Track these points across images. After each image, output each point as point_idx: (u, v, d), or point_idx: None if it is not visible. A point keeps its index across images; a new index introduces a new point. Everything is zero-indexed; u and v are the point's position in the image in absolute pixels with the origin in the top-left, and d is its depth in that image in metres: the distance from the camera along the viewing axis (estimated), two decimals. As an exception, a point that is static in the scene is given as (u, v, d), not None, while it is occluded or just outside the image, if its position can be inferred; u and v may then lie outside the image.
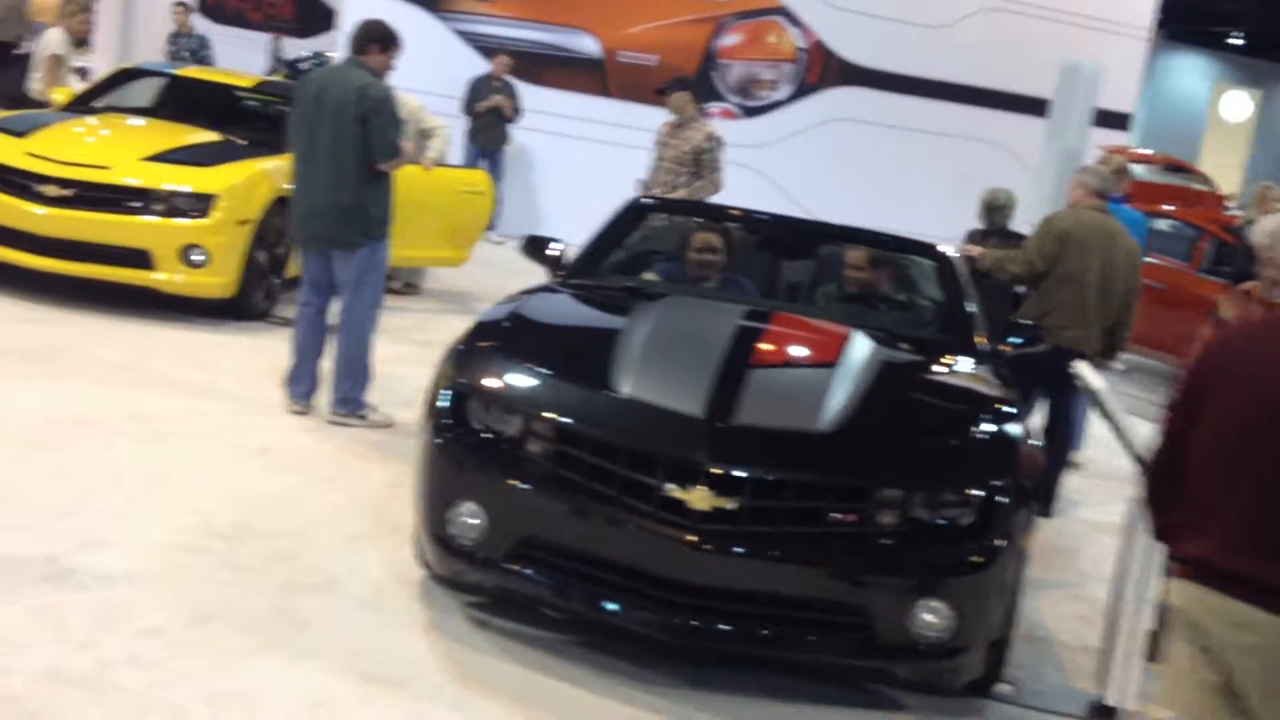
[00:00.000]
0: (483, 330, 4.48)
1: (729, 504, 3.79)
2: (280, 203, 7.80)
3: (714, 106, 14.13)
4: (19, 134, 7.52)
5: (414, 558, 4.44)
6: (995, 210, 7.83)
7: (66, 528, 4.46)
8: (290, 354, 6.27)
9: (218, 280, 7.47)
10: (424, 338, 8.18)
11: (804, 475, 3.89)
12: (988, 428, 4.30)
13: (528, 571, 3.99)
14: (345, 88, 5.89)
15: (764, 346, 4.55)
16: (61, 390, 5.95)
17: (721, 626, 3.84)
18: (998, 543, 3.93)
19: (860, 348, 4.60)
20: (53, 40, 9.18)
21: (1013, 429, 4.30)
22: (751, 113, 14.00)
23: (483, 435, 4.08)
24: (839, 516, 3.88)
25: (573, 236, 7.04)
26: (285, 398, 6.28)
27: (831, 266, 5.97)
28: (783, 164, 13.72)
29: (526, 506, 3.98)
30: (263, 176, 7.70)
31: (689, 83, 8.79)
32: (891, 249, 5.89)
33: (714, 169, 8.29)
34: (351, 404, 6.17)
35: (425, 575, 4.44)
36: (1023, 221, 8.15)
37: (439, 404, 4.15)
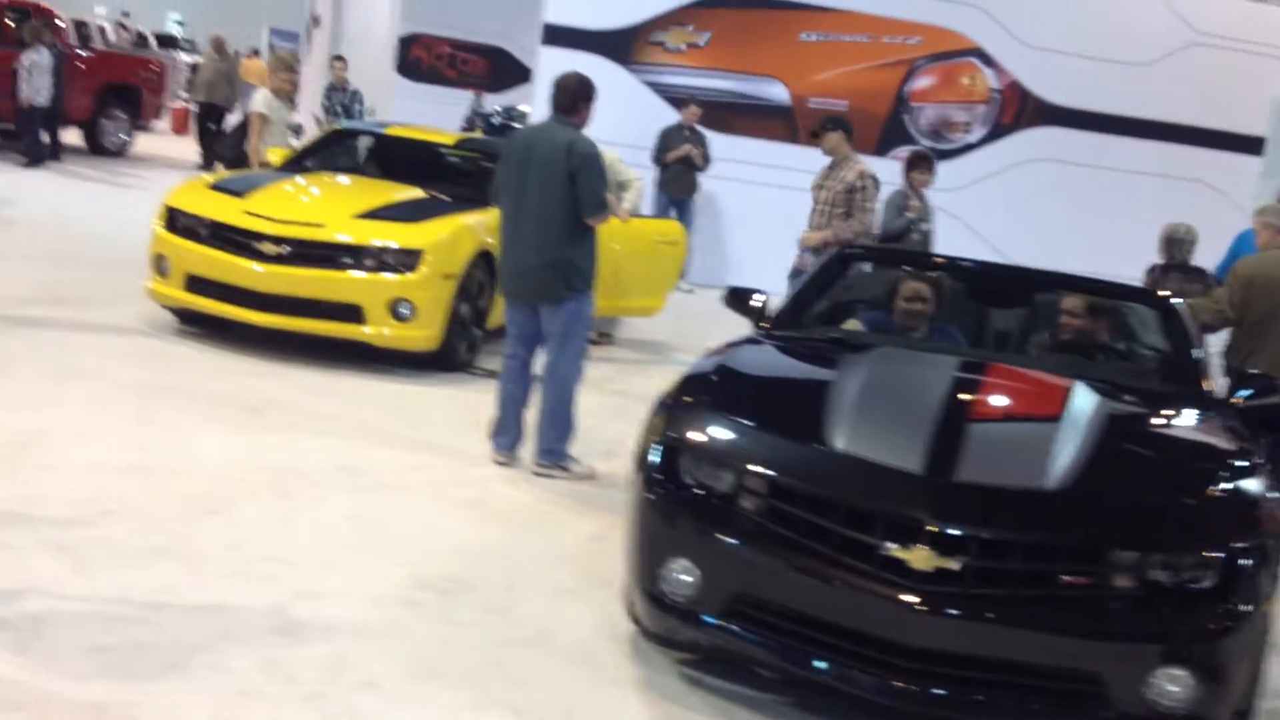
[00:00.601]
0: (691, 384, 4.45)
1: (952, 564, 3.66)
2: (483, 256, 7.98)
3: (904, 149, 13.96)
4: (239, 194, 7.87)
5: (624, 613, 4.43)
6: (1175, 244, 7.70)
7: (289, 578, 4.58)
8: (495, 406, 6.36)
9: (423, 333, 7.65)
10: (620, 388, 8.24)
11: (1032, 535, 3.73)
12: (1226, 484, 4.07)
13: (741, 629, 3.92)
14: (553, 144, 5.98)
15: (982, 399, 4.41)
16: (280, 442, 6.15)
17: (943, 692, 3.70)
18: (1242, 608, 3.70)
19: (1084, 400, 4.42)
20: (258, 100, 9.61)
21: (1253, 485, 4.05)
22: (943, 155, 13.74)
23: (694, 490, 4.03)
24: (1070, 579, 3.71)
25: (762, 283, 7.03)
26: (490, 449, 6.37)
27: (1044, 314, 5.78)
28: (976, 207, 13.44)
29: (739, 563, 3.92)
30: (466, 231, 7.88)
31: (841, 122, 8.62)
32: (1109, 295, 5.66)
33: (864, 209, 8.12)
34: (555, 455, 6.22)
35: (635, 631, 4.41)
36: (1204, 257, 7.95)
37: (649, 459, 4.13)
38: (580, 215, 6.01)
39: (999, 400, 4.47)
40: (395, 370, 7.80)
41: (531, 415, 6.36)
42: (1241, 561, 3.74)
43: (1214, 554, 3.73)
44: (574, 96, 6.12)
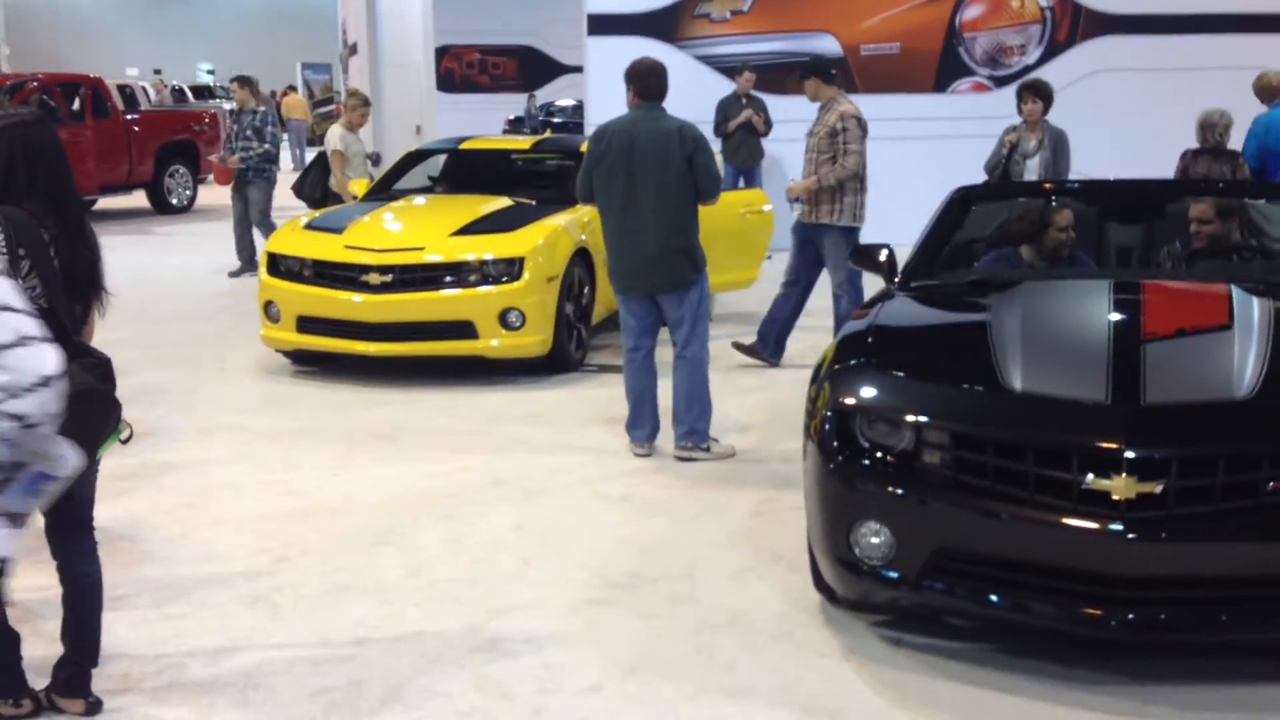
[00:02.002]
0: (849, 347, 4.43)
1: (1154, 488, 3.61)
2: (579, 254, 8.01)
3: (963, 82, 13.81)
4: (336, 230, 7.95)
5: (810, 584, 4.44)
6: (1208, 129, 8.02)
7: (475, 597, 4.62)
8: (627, 400, 6.37)
9: (535, 339, 7.68)
10: (728, 364, 8.20)
11: (1234, 447, 3.67)
12: None
13: (946, 585, 3.90)
14: (661, 132, 5.98)
15: (1148, 318, 4.32)
16: (424, 466, 6.20)
17: (1165, 616, 3.67)
18: None
19: (1248, 304, 4.34)
20: (333, 138, 9.69)
21: None
22: (1002, 82, 13.57)
23: (874, 453, 4.02)
24: (1275, 484, 3.64)
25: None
26: (629, 443, 6.38)
27: (1171, 225, 5.69)
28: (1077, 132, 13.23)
29: (933, 519, 3.90)
30: (561, 233, 7.91)
31: (815, 67, 8.20)
32: (1237, 195, 5.56)
33: (847, 151, 7.68)
34: (698, 436, 6.23)
35: (822, 600, 4.42)
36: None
37: (824, 428, 4.11)
38: (698, 198, 6.03)
39: (1165, 317, 4.39)
40: (511, 379, 7.85)
41: (664, 402, 6.37)
42: None
43: None
44: (662, 80, 6.12)
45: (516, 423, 6.99)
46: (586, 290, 8.26)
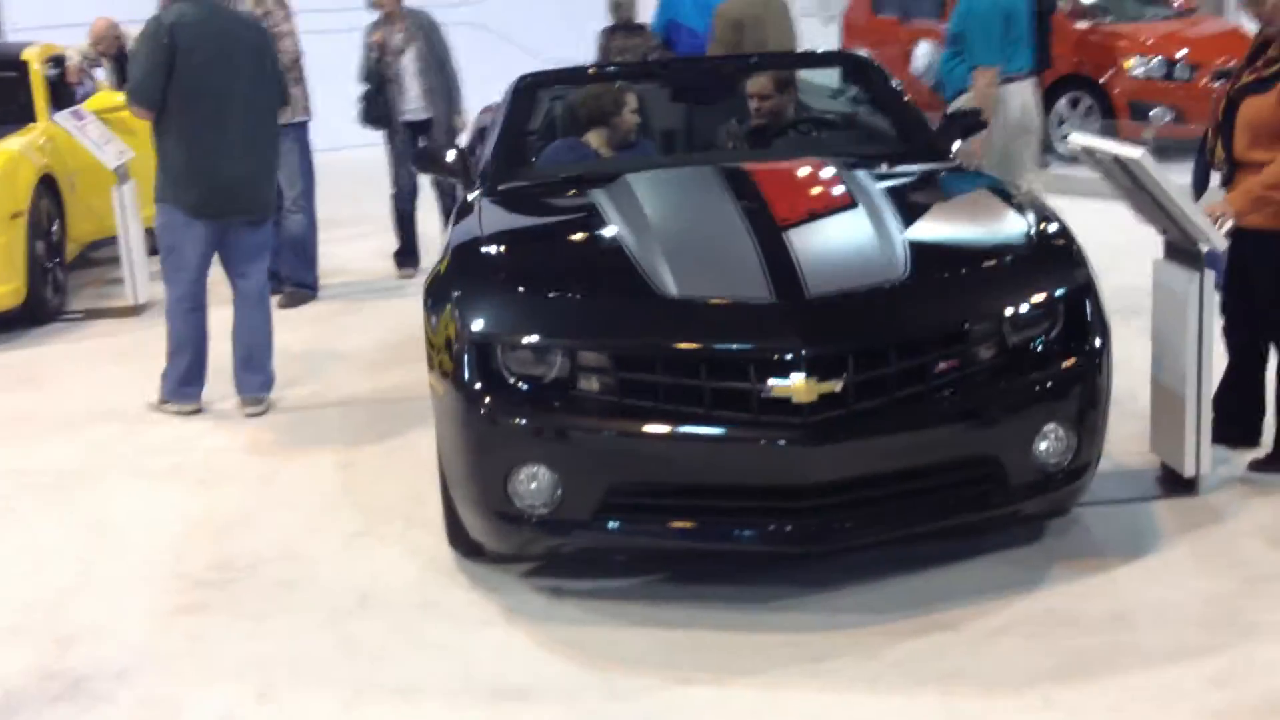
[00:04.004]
0: (466, 268, 3.81)
1: (835, 386, 3.33)
2: (45, 183, 6.77)
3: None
4: None
5: (445, 540, 3.88)
6: (618, 7, 8.56)
7: (33, 628, 3.65)
8: (178, 352, 5.30)
9: (4, 288, 6.41)
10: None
11: (904, 332, 3.45)
12: (1034, 229, 3.88)
13: (625, 524, 3.46)
14: (244, 25, 5.20)
15: (775, 205, 3.96)
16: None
17: (855, 520, 3.44)
18: (1096, 343, 3.63)
19: (858, 179, 4.13)
20: None
21: (1054, 224, 3.92)
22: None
23: (523, 388, 3.47)
24: (944, 366, 3.48)
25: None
26: (174, 401, 5.34)
27: (727, 101, 5.47)
28: (507, 14, 12.88)
29: (602, 453, 3.43)
30: (18, 159, 6.64)
31: None
32: (798, 66, 5.42)
33: (279, 34, 6.65)
34: (272, 382, 5.43)
35: (459, 557, 3.86)
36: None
37: (460, 365, 3.49)
38: (282, 104, 5.37)
39: (791, 202, 4.05)
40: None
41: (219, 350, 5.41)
42: (1085, 298, 3.66)
43: (1061, 299, 3.62)
44: None
45: (8, 394, 5.75)
46: (56, 225, 6.99)
